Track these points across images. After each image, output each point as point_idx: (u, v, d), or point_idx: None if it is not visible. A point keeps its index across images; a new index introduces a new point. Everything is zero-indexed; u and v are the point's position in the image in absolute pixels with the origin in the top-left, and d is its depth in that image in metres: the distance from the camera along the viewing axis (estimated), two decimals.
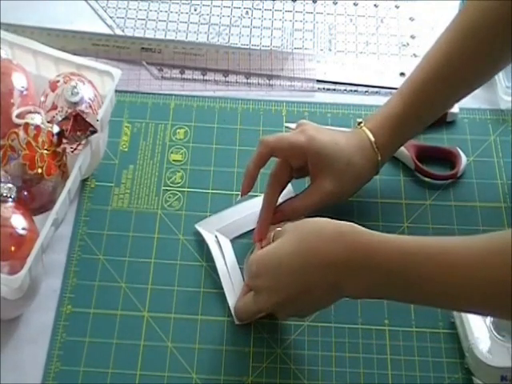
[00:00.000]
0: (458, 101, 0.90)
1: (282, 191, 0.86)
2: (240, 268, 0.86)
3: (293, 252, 0.75)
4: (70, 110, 0.83)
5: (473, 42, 0.84)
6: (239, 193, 0.90)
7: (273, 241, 0.79)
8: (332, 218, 0.75)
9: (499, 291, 0.67)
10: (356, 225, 0.74)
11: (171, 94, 1.01)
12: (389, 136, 0.86)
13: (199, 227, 0.88)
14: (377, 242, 0.72)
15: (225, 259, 0.86)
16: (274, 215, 0.85)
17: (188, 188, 0.93)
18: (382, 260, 0.71)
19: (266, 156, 0.85)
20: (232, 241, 0.88)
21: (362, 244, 0.72)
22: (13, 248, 0.77)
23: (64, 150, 0.84)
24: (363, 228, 0.74)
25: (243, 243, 0.88)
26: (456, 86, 0.87)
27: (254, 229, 0.87)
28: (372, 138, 0.86)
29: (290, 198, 0.87)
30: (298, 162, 0.85)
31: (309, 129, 0.85)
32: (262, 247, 0.82)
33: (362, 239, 0.73)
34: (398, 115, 0.86)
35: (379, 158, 0.86)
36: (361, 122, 0.87)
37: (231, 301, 0.84)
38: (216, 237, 0.88)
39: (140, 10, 1.09)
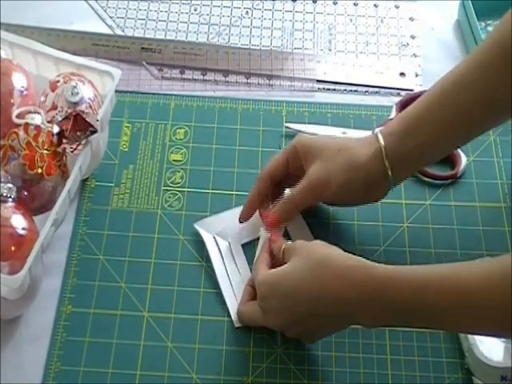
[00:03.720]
0: (478, 118, 0.80)
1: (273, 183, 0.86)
2: (238, 270, 0.86)
3: (303, 281, 0.75)
4: (69, 110, 0.83)
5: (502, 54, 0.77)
6: (239, 193, 0.90)
7: (282, 256, 0.79)
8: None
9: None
10: (364, 259, 0.74)
11: (171, 94, 1.01)
12: (398, 133, 0.81)
13: (198, 227, 0.88)
14: (385, 275, 0.72)
15: (224, 261, 0.86)
16: (270, 218, 0.84)
17: (188, 188, 0.93)
18: (392, 294, 0.71)
19: (265, 183, 0.85)
20: (229, 243, 0.88)
21: (370, 279, 0.72)
22: (13, 248, 0.77)
23: (64, 150, 0.84)
24: (371, 262, 0.74)
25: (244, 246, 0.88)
26: (480, 95, 0.79)
27: (254, 239, 0.87)
28: (376, 130, 0.82)
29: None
30: (294, 163, 0.85)
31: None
32: (270, 255, 0.82)
33: (370, 274, 0.72)
34: (410, 113, 0.81)
35: (382, 144, 0.80)
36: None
37: (230, 303, 0.84)
38: (214, 238, 0.88)
39: (140, 9, 1.09)
